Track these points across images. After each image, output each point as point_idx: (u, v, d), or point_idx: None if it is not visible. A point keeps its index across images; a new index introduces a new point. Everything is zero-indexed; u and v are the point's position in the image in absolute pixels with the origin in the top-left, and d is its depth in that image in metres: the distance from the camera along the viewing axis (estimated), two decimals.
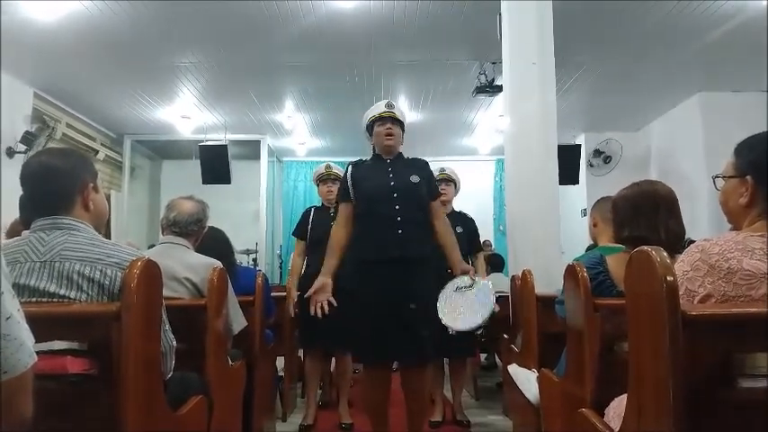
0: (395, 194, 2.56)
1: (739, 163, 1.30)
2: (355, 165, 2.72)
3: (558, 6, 3.80)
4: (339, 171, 3.64)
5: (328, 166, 3.68)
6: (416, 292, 2.49)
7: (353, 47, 5.34)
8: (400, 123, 2.73)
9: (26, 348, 0.78)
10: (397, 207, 2.53)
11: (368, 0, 4.47)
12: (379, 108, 2.74)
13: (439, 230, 2.66)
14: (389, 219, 2.53)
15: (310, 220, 3.55)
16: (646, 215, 1.80)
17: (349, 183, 2.65)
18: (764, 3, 4.35)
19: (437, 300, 2.46)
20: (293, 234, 3.70)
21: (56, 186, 1.47)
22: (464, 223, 3.59)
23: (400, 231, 2.51)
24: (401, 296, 2.47)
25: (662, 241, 1.74)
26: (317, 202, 3.73)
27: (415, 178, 2.61)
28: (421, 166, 2.72)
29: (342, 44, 5.26)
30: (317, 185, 3.69)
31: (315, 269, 3.46)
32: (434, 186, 2.74)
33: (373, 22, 4.82)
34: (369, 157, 2.80)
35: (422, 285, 2.51)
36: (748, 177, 1.26)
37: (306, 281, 3.53)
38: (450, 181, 3.61)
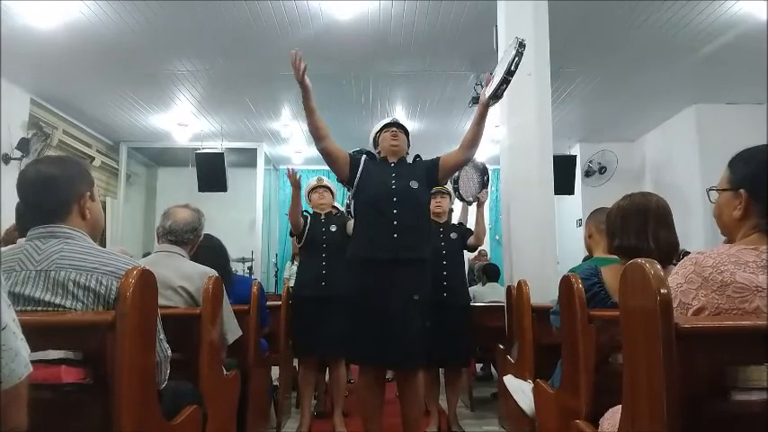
0: (394, 199, 2.60)
1: (733, 176, 1.31)
2: (370, 157, 2.83)
3: (555, 18, 3.84)
4: (330, 184, 3.70)
5: (320, 179, 3.74)
6: (410, 295, 2.50)
7: (351, 57, 5.37)
8: (405, 132, 2.85)
9: (21, 359, 0.77)
10: (395, 211, 2.57)
11: (366, 11, 4.50)
12: (384, 121, 2.89)
13: (459, 147, 2.76)
14: (387, 222, 2.57)
15: (307, 223, 3.57)
16: (635, 225, 1.82)
17: (360, 168, 2.70)
18: (764, 18, 4.38)
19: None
20: (291, 234, 3.71)
21: (53, 195, 1.46)
22: (458, 230, 3.63)
23: (396, 235, 2.55)
24: (394, 298, 2.48)
25: (651, 251, 1.75)
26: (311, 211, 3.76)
27: (414, 184, 2.66)
28: (422, 166, 2.80)
29: (339, 54, 5.29)
30: (309, 197, 3.72)
31: (308, 274, 3.50)
32: (432, 164, 2.79)
33: (371, 32, 4.85)
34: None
35: (416, 289, 2.53)
36: (742, 191, 1.27)
37: (299, 287, 3.55)
38: (446, 193, 3.64)
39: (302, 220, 3.53)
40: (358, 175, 2.69)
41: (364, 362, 2.62)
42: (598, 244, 2.35)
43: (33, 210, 1.49)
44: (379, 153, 2.85)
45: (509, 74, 2.51)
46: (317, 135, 2.70)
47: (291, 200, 3.52)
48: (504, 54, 2.64)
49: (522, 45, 2.50)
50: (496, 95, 2.60)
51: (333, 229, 3.53)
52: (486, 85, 2.67)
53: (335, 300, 3.21)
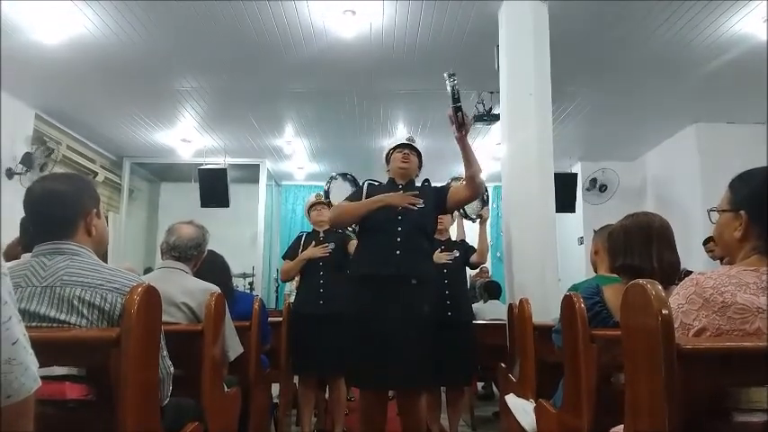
0: (399, 217, 2.60)
1: (733, 197, 1.32)
2: (371, 184, 2.84)
3: (556, 37, 3.88)
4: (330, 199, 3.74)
5: (319, 195, 3.77)
6: (412, 313, 2.49)
7: (353, 75, 5.41)
8: (418, 154, 2.86)
9: (31, 373, 0.78)
10: (399, 229, 2.57)
11: (368, 29, 4.55)
12: (400, 139, 2.90)
13: (464, 185, 2.74)
14: (391, 242, 2.57)
15: (302, 245, 3.59)
16: (639, 245, 1.82)
17: (364, 190, 2.75)
18: (764, 38, 4.42)
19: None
20: (283, 257, 3.74)
21: (59, 212, 1.48)
22: (460, 247, 3.64)
23: (398, 253, 2.55)
24: (396, 317, 2.47)
25: (655, 271, 1.75)
26: (309, 228, 3.78)
27: (420, 204, 2.64)
28: (430, 190, 2.80)
29: (342, 72, 5.34)
30: (308, 214, 3.75)
31: (306, 292, 3.50)
32: (442, 191, 2.81)
33: (373, 51, 4.90)
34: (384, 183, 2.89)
35: (418, 306, 2.52)
36: (742, 212, 1.28)
37: (297, 304, 3.55)
38: None
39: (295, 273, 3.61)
40: (365, 194, 2.73)
41: (365, 386, 2.61)
42: (603, 261, 2.35)
43: (40, 226, 1.50)
44: (388, 172, 2.87)
45: (456, 102, 2.60)
46: (343, 222, 2.86)
47: (297, 261, 3.53)
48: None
49: (451, 76, 2.61)
50: (463, 125, 2.61)
51: (331, 246, 3.53)
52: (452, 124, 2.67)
53: (335, 317, 3.21)
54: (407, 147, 2.83)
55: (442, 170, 8.42)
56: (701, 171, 6.60)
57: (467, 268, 3.72)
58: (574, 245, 8.21)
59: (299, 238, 3.69)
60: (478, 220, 3.82)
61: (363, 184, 2.82)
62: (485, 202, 3.90)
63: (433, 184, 2.91)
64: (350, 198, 2.81)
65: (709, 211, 1.40)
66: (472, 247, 3.68)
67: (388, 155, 2.89)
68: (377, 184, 2.86)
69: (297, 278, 3.83)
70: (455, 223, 3.95)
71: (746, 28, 4.44)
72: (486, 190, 3.93)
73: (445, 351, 3.12)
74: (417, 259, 2.60)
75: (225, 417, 2.20)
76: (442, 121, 6.67)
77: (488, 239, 3.78)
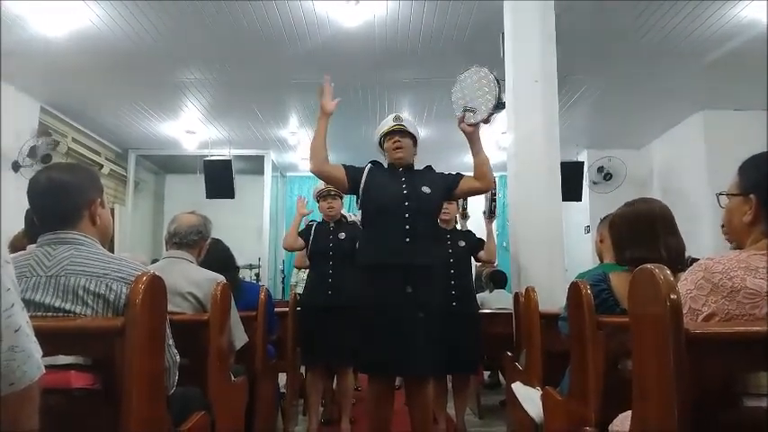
0: (406, 203, 2.58)
1: (743, 181, 1.30)
2: (376, 165, 2.77)
3: (561, 25, 3.84)
4: None
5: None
6: (421, 301, 2.49)
7: (358, 65, 5.39)
8: (411, 136, 2.76)
9: (34, 361, 0.78)
10: (407, 216, 2.55)
11: (372, 18, 4.52)
12: (387, 123, 2.80)
13: (475, 178, 2.71)
14: (399, 228, 2.54)
15: (312, 232, 3.57)
16: (644, 235, 1.80)
17: (363, 177, 2.66)
18: (765, 23, 4.38)
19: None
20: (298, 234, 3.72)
21: (64, 202, 1.47)
22: (466, 237, 3.62)
23: (408, 240, 2.53)
24: (405, 305, 2.47)
25: (663, 259, 1.73)
26: (319, 217, 3.76)
27: (426, 189, 2.63)
28: (432, 177, 2.75)
29: (347, 62, 5.31)
30: (318, 202, 3.72)
31: (316, 282, 3.50)
32: (451, 177, 2.76)
33: (378, 40, 4.87)
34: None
35: (427, 295, 2.51)
36: (752, 196, 1.26)
37: (306, 295, 3.55)
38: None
39: (300, 241, 3.58)
40: (362, 183, 2.66)
41: (375, 371, 2.60)
42: (609, 250, 2.33)
43: (44, 216, 1.50)
44: (386, 159, 2.81)
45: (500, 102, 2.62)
46: (319, 157, 2.75)
47: (292, 226, 3.53)
48: (472, 82, 2.82)
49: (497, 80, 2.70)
50: (488, 121, 2.66)
51: (341, 236, 3.51)
52: (463, 116, 2.69)
53: (343, 308, 3.21)
54: (398, 132, 2.74)
55: (447, 157, 8.40)
56: (707, 158, 6.55)
57: (472, 258, 3.70)
58: (580, 234, 8.18)
59: (310, 227, 3.66)
60: (485, 217, 3.77)
61: (368, 165, 2.75)
62: (493, 198, 3.83)
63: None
64: (348, 170, 2.74)
65: (719, 195, 1.38)
66: (481, 240, 3.65)
67: (380, 140, 2.82)
68: (381, 167, 2.79)
69: (306, 271, 3.81)
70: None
71: (752, 14, 4.38)
72: (495, 184, 3.84)
73: (450, 340, 3.12)
74: (425, 247, 2.58)
75: (231, 406, 2.21)
76: (447, 109, 6.63)
77: (494, 230, 3.74)
